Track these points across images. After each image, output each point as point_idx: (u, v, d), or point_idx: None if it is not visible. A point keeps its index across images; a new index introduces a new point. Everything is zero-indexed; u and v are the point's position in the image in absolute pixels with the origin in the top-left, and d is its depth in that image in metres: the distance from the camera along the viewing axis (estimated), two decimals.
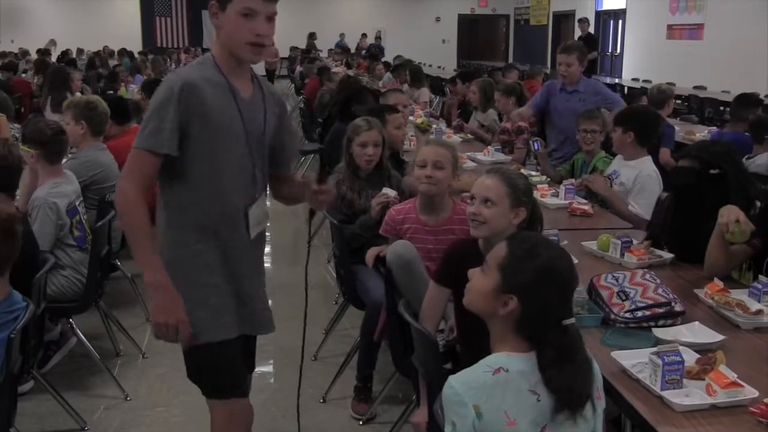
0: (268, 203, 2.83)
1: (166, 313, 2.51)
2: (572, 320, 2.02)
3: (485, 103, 7.80)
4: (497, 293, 2.03)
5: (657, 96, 7.06)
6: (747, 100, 6.62)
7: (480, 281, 2.09)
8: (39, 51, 18.92)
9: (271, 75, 20.20)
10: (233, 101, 2.55)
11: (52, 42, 21.44)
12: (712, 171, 3.42)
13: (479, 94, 7.87)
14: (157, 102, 2.47)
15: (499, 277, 2.04)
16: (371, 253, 3.82)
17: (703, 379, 2.31)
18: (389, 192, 4.07)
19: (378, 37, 22.73)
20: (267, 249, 6.76)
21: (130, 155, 2.50)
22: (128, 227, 2.52)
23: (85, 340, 4.33)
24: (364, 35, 23.23)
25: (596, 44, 16.44)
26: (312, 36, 22.90)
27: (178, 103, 2.44)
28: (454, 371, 2.06)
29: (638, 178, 4.60)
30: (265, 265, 6.57)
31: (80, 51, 20.46)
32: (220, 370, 2.67)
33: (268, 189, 2.86)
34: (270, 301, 5.48)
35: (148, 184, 2.53)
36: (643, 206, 4.52)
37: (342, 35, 23.94)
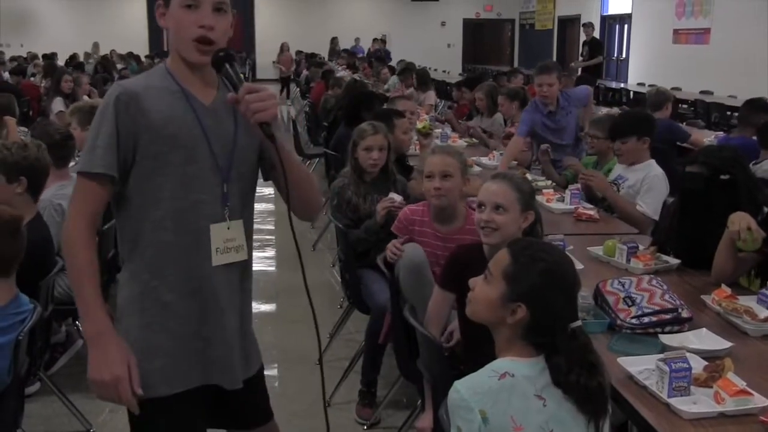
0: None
1: (100, 370, 2.09)
2: (579, 323, 2.02)
3: (492, 108, 7.81)
4: (504, 302, 2.02)
5: (655, 98, 7.09)
6: (756, 105, 6.59)
7: (484, 291, 2.09)
8: (45, 56, 18.98)
9: (286, 81, 20.24)
10: (189, 108, 2.16)
11: (96, 45, 21.41)
12: (722, 177, 3.41)
13: (486, 100, 7.89)
14: (96, 117, 2.14)
15: (505, 286, 2.03)
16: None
17: (711, 387, 2.29)
18: (395, 197, 4.07)
19: (383, 41, 22.68)
20: (271, 253, 6.81)
21: (75, 182, 2.19)
22: (68, 265, 2.14)
23: None
24: (375, 40, 23.21)
25: (601, 49, 16.43)
26: (334, 41, 22.73)
27: (114, 115, 2.08)
28: (459, 377, 2.05)
29: (646, 179, 4.59)
30: (269, 269, 6.56)
31: (88, 55, 20.49)
32: (170, 429, 2.24)
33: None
34: (274, 306, 5.56)
35: (94, 212, 2.15)
36: (650, 206, 4.51)
37: (357, 40, 23.87)
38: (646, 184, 4.58)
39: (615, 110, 9.61)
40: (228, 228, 2.22)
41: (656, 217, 4.46)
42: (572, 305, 2.04)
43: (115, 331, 2.13)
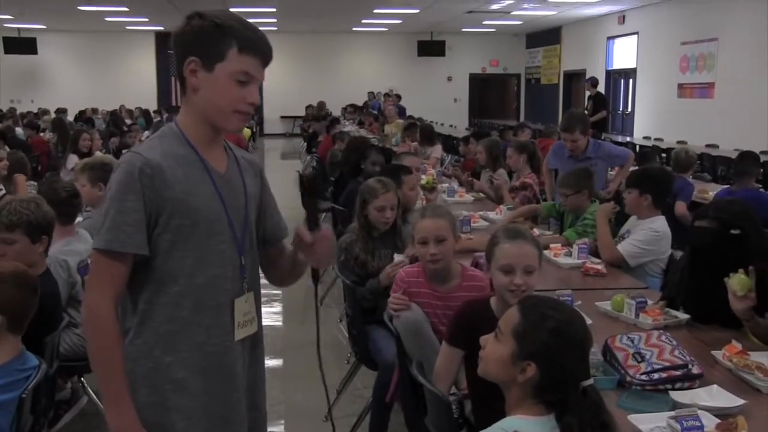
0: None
1: None
2: (591, 381, 2.00)
3: (492, 162, 7.81)
4: (514, 360, 2.01)
5: (684, 159, 7.20)
6: (752, 156, 6.86)
7: (495, 349, 2.08)
8: (57, 111, 19.21)
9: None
10: (209, 180, 2.10)
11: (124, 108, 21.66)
12: (732, 231, 3.40)
13: (485, 154, 7.90)
14: (115, 189, 2.01)
15: (515, 344, 2.03)
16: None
17: None
18: (401, 259, 4.05)
19: (399, 96, 22.72)
20: (278, 308, 6.78)
21: (93, 259, 2.06)
22: (95, 349, 2.02)
23: (96, 398, 4.30)
24: (386, 95, 23.40)
25: (606, 103, 16.53)
26: (398, 97, 22.76)
27: (141, 189, 1.98)
28: None
29: (643, 227, 4.61)
30: (276, 323, 6.54)
31: (94, 110, 20.73)
32: None
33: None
34: (281, 360, 5.52)
35: (119, 292, 2.03)
36: (626, 246, 4.58)
37: (371, 94, 24.02)
38: (641, 231, 4.60)
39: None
40: (245, 301, 2.18)
41: (628, 259, 4.55)
42: (583, 363, 2.03)
43: (140, 424, 2.02)
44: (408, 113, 18.38)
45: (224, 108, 2.07)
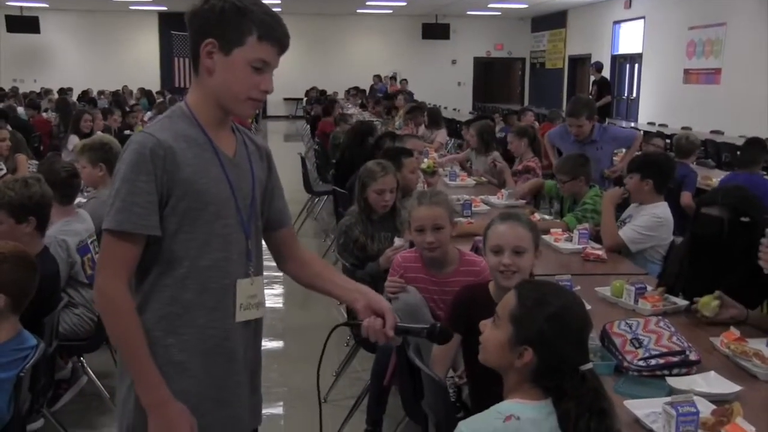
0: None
1: None
2: (590, 365, 2.00)
3: (484, 147, 7.79)
4: (512, 345, 2.01)
5: (685, 145, 7.17)
6: (759, 142, 6.86)
7: (493, 335, 2.08)
8: (61, 90, 19.20)
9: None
10: (218, 163, 2.08)
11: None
12: (742, 219, 3.38)
13: (476, 138, 7.88)
14: (125, 169, 1.98)
15: (512, 329, 2.02)
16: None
17: None
18: (399, 243, 4.05)
19: (406, 80, 22.58)
20: (279, 290, 6.80)
21: (103, 240, 2.01)
22: (115, 332, 2.00)
23: (95, 378, 4.32)
24: (392, 78, 23.28)
25: (610, 88, 16.48)
26: (405, 81, 22.61)
27: (153, 170, 1.96)
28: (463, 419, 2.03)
29: (645, 213, 4.60)
30: (277, 305, 6.53)
31: (101, 92, 20.71)
32: None
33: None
34: (281, 343, 5.53)
35: (131, 273, 2.01)
36: (628, 231, 4.58)
37: (377, 78, 23.91)
38: (642, 216, 4.60)
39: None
40: (251, 284, 2.16)
41: (629, 245, 4.55)
42: (582, 348, 2.03)
43: (173, 397, 2.01)
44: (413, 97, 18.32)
45: (239, 94, 2.06)
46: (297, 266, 2.38)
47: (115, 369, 4.59)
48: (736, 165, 7.16)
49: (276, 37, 2.06)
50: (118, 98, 17.25)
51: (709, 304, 3.20)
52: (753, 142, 6.87)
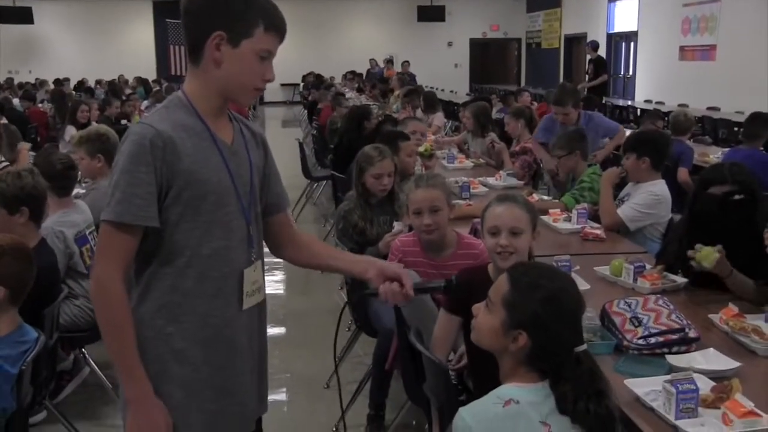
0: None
1: None
2: (584, 347, 2.00)
3: (479, 129, 7.78)
4: (505, 329, 2.01)
5: (683, 122, 7.19)
6: (764, 117, 6.78)
7: (486, 319, 2.08)
8: (57, 81, 19.15)
9: None
10: (217, 152, 2.09)
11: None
12: (737, 197, 3.38)
13: (472, 120, 7.86)
14: (125, 160, 1.98)
15: (505, 313, 2.02)
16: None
17: (719, 408, 2.28)
18: (399, 228, 4.05)
19: (407, 63, 22.41)
20: (280, 276, 6.81)
21: (101, 231, 2.01)
22: (106, 322, 1.99)
23: (97, 369, 4.33)
24: (389, 62, 23.14)
25: (606, 67, 16.42)
26: (407, 64, 22.43)
27: (152, 161, 1.96)
28: (467, 402, 2.04)
29: (642, 191, 4.61)
30: (278, 291, 6.54)
31: (98, 82, 20.67)
32: None
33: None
34: (282, 329, 5.55)
35: (128, 264, 2.02)
36: (626, 210, 4.59)
37: (373, 61, 23.80)
38: (640, 194, 4.60)
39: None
40: (254, 270, 2.18)
41: (627, 223, 4.56)
42: (576, 330, 2.03)
43: (154, 394, 2.02)
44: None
45: (247, 84, 2.09)
46: (297, 249, 2.40)
47: None
48: (741, 139, 7.15)
49: (279, 27, 2.09)
50: (114, 88, 17.19)
51: (710, 255, 3.16)
52: (756, 117, 6.83)
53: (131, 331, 1.99)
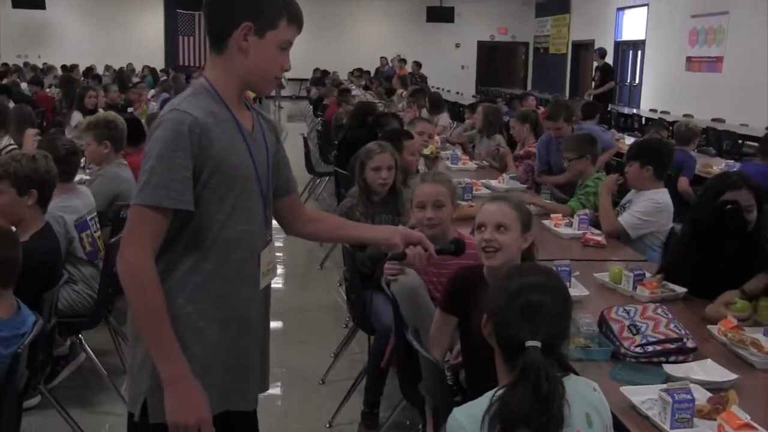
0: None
1: (184, 413, 2.05)
2: (536, 343, 1.89)
3: (488, 128, 7.78)
4: (486, 320, 2.05)
5: (685, 133, 7.18)
6: None
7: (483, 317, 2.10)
8: (64, 67, 19.14)
9: None
10: (241, 138, 2.17)
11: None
12: (728, 207, 3.38)
13: (482, 118, 7.87)
14: (162, 146, 2.03)
15: (488, 306, 2.06)
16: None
17: (715, 420, 2.27)
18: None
19: (419, 64, 22.32)
20: (279, 271, 6.81)
21: (132, 215, 2.06)
22: (141, 304, 2.05)
23: (93, 356, 4.32)
24: (401, 61, 23.04)
25: (613, 74, 16.42)
26: (418, 65, 22.34)
27: (190, 147, 2.03)
28: (462, 402, 2.03)
29: (644, 199, 4.60)
30: (277, 286, 6.56)
31: (108, 68, 20.69)
32: None
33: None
34: (280, 323, 5.55)
35: (158, 246, 2.06)
36: (627, 217, 4.58)
37: (383, 59, 23.69)
38: (641, 202, 4.58)
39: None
40: (269, 251, 2.29)
41: (628, 230, 4.54)
42: (528, 325, 1.92)
43: (191, 372, 2.07)
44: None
45: (269, 74, 2.19)
46: (313, 223, 2.55)
47: (113, 346, 4.63)
48: (753, 153, 7.16)
49: (299, 19, 2.20)
50: (121, 75, 17.20)
51: (745, 305, 3.14)
52: None
53: (165, 313, 2.04)
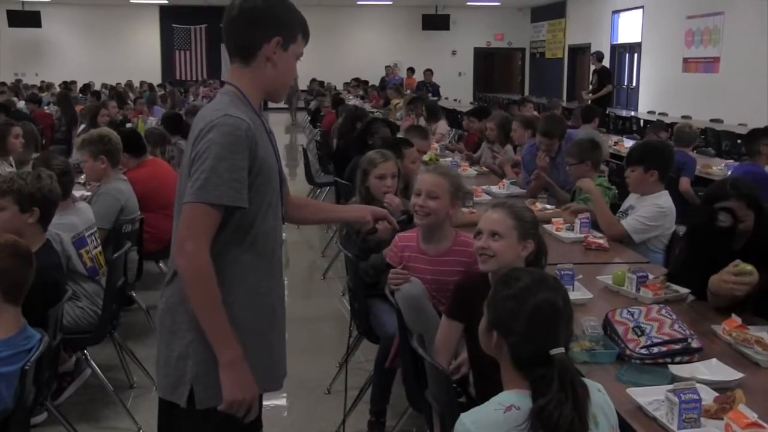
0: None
1: (243, 390, 2.25)
2: (560, 350, 1.95)
3: (504, 138, 7.77)
4: (488, 330, 2.06)
5: (688, 134, 7.19)
6: (759, 133, 6.77)
7: (482, 322, 2.11)
8: (63, 84, 19.17)
9: None
10: (269, 141, 2.37)
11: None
12: (722, 222, 3.38)
13: (498, 130, 7.83)
14: (220, 149, 2.17)
15: (486, 315, 2.08)
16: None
17: (722, 419, 2.27)
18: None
19: (431, 71, 22.13)
20: (284, 281, 6.79)
21: (190, 212, 2.19)
22: (203, 296, 2.21)
23: (99, 371, 4.32)
24: (409, 69, 22.88)
25: (610, 77, 16.45)
26: (430, 73, 22.21)
27: (248, 150, 2.21)
28: (467, 407, 2.04)
29: (647, 203, 4.58)
30: None
31: (105, 86, 20.72)
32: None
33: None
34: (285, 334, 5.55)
35: (211, 240, 2.22)
36: (631, 222, 4.54)
37: (389, 69, 23.54)
38: (645, 207, 4.56)
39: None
40: (283, 244, 2.52)
41: (633, 236, 4.51)
42: (548, 333, 1.97)
43: (244, 357, 2.26)
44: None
45: (287, 84, 2.44)
46: (301, 210, 2.79)
47: (118, 361, 4.62)
48: (746, 156, 7.15)
49: (308, 34, 2.45)
50: (117, 92, 17.22)
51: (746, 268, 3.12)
52: (754, 133, 6.80)
53: (221, 304, 2.22)
